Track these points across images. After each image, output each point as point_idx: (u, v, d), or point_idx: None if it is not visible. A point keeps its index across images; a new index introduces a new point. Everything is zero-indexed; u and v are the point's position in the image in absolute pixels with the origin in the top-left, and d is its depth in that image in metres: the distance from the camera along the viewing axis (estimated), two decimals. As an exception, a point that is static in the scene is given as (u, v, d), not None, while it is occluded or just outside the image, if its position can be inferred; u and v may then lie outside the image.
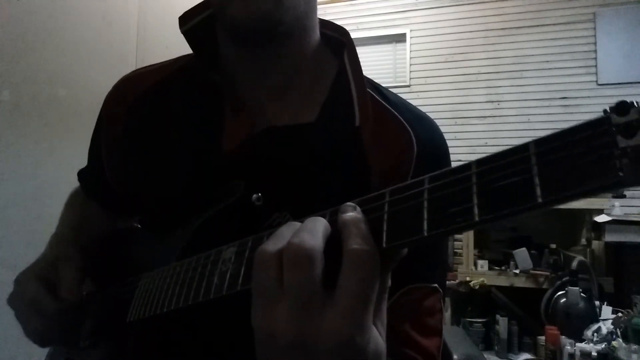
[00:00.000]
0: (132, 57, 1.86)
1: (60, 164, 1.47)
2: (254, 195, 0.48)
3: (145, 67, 0.67)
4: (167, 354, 0.57)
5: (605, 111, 0.22)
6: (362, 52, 3.79)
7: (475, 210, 0.25)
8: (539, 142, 0.24)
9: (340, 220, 0.30)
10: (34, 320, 0.58)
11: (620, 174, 0.21)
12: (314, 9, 0.57)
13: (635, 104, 0.21)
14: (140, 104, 0.62)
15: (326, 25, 0.60)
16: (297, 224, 0.31)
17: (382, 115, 0.55)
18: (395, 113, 0.56)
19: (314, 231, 0.30)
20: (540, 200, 0.22)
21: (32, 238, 1.36)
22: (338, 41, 0.58)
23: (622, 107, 0.21)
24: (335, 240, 0.30)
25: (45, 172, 1.45)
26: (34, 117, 1.45)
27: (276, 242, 0.31)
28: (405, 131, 0.54)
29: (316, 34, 0.58)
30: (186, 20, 0.58)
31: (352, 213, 0.30)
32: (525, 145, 0.24)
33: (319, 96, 0.55)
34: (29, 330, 0.59)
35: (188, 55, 0.64)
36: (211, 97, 0.57)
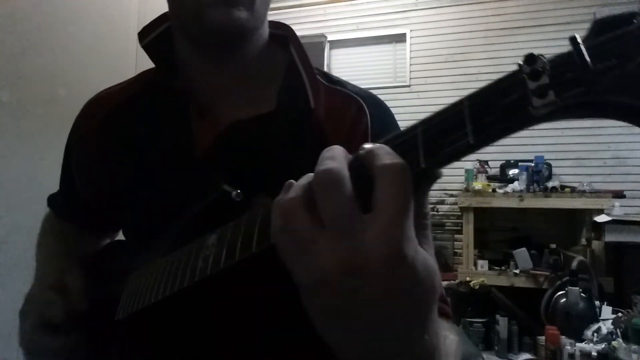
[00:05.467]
0: (132, 57, 1.86)
1: (60, 163, 1.47)
2: (234, 193, 0.50)
3: (112, 86, 0.71)
4: (154, 351, 0.58)
5: (518, 64, 0.27)
6: (362, 52, 3.77)
7: (421, 158, 0.29)
8: (471, 95, 0.29)
9: (363, 151, 0.31)
10: (46, 336, 0.58)
11: (530, 108, 0.25)
12: (267, 15, 0.61)
13: (540, 55, 0.26)
14: (109, 122, 0.65)
15: (269, 25, 0.64)
16: (309, 174, 0.31)
17: (331, 93, 0.61)
18: (343, 89, 0.62)
19: (333, 157, 0.30)
20: (472, 141, 0.27)
21: (33, 238, 1.36)
22: (282, 36, 0.63)
23: (530, 58, 0.26)
24: (359, 172, 0.30)
25: (46, 172, 1.45)
26: (34, 117, 1.45)
27: (292, 189, 0.31)
28: (354, 101, 0.60)
29: (267, 34, 0.63)
30: (145, 36, 0.62)
31: (371, 145, 0.31)
32: (461, 99, 0.29)
33: (273, 87, 0.60)
34: (35, 346, 0.60)
35: (150, 69, 0.67)
36: (176, 105, 0.61)
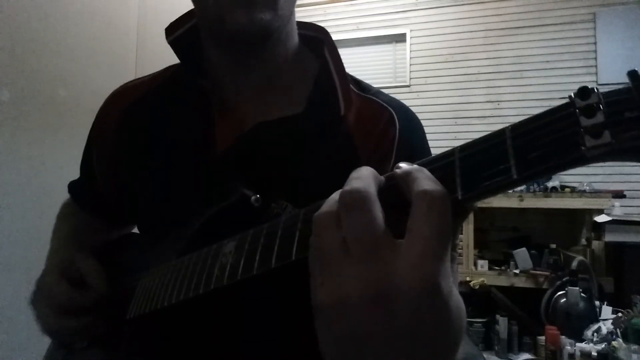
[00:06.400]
0: (132, 57, 1.86)
1: (60, 163, 1.47)
2: (253, 197, 0.49)
3: (136, 79, 0.70)
4: (163, 353, 0.58)
5: (570, 96, 0.24)
6: (362, 52, 3.77)
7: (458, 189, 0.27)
8: (515, 127, 0.26)
9: (399, 172, 0.28)
10: (64, 319, 0.58)
11: (583, 148, 0.23)
12: (294, 13, 0.60)
13: (595, 89, 0.24)
14: (131, 115, 0.64)
15: (303, 26, 0.63)
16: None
17: (362, 101, 0.59)
18: (374, 98, 0.60)
19: (361, 177, 0.28)
20: (515, 177, 0.25)
21: (33, 238, 1.36)
22: (317, 39, 0.62)
23: (584, 92, 0.24)
24: (391, 193, 0.28)
25: (45, 172, 1.45)
26: (34, 117, 1.45)
27: (328, 203, 0.29)
28: (385, 110, 0.59)
29: (296, 34, 0.62)
30: (172, 31, 0.61)
31: (409, 165, 0.29)
32: (503, 129, 0.27)
33: (303, 91, 0.58)
34: (54, 329, 0.59)
35: (175, 65, 0.66)
36: (200, 103, 0.59)
